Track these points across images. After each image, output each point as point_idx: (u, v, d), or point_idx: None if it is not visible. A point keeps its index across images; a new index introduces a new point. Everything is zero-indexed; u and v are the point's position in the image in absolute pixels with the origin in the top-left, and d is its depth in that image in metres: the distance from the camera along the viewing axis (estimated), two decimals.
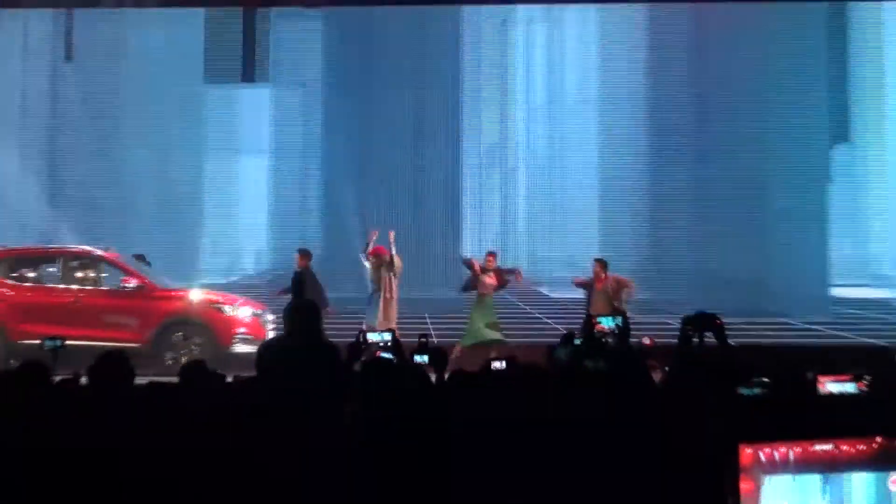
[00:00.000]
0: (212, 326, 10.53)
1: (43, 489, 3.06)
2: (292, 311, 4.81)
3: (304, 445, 3.06)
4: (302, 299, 6.63)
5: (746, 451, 2.49)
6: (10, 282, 10.63)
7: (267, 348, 4.83)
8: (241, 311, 10.75)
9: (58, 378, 4.65)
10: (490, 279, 10.66)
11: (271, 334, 10.44)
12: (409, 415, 3.28)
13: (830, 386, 4.80)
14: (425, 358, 5.00)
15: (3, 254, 11.02)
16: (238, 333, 10.51)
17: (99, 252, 11.06)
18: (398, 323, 10.33)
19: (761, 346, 11.43)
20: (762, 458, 2.49)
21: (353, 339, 5.33)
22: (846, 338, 13.49)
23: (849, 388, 4.80)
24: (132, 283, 10.56)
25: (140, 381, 4.30)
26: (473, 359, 8.35)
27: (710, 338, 5.30)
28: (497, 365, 5.13)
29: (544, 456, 3.05)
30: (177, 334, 10.41)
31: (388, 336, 5.27)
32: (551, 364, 5.65)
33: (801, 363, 5.14)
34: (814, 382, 4.64)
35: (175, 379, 4.42)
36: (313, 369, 4.34)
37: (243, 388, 4.14)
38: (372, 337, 5.33)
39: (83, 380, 4.61)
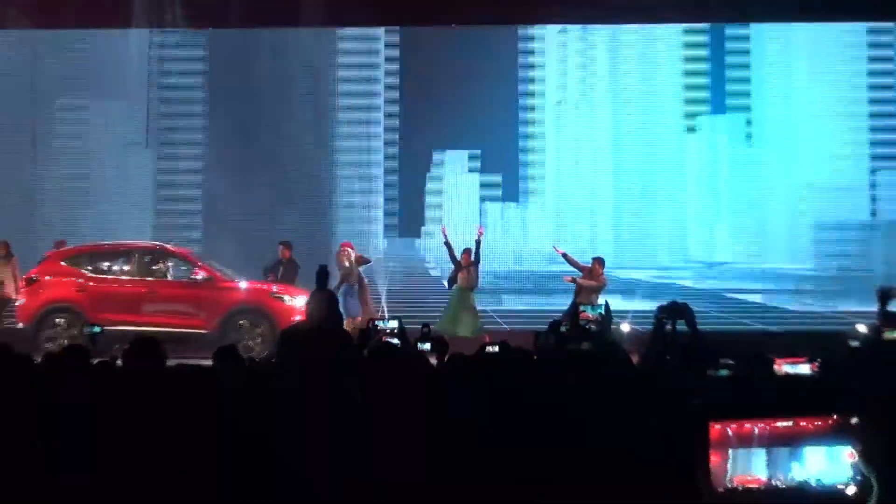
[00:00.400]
0: (272, 314, 10.45)
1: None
2: (312, 300, 4.84)
3: (315, 424, 3.07)
4: (322, 289, 6.58)
5: (716, 428, 2.53)
6: (90, 274, 10.63)
7: (288, 333, 4.84)
8: (298, 300, 10.51)
9: (96, 360, 4.66)
10: (463, 275, 10.48)
11: None
12: (412, 396, 3.29)
13: (787, 367, 4.85)
14: (428, 345, 5.05)
15: (82, 249, 11.10)
16: (296, 321, 10.49)
17: (169, 247, 11.16)
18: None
19: (728, 332, 11.49)
20: (730, 433, 2.52)
21: (365, 326, 5.42)
22: (803, 324, 13.59)
23: (803, 369, 4.85)
24: (201, 276, 10.57)
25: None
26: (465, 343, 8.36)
27: (681, 324, 5.35)
28: (491, 348, 5.18)
29: (532, 428, 3.07)
30: (241, 322, 10.39)
31: (394, 324, 5.32)
32: (539, 348, 5.68)
33: (762, 346, 5.20)
34: (771, 364, 4.69)
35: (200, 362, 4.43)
36: (328, 353, 4.36)
37: (264, 370, 4.16)
38: (380, 324, 5.38)
39: (118, 362, 4.62)
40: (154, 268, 10.80)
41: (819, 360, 4.84)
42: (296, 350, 4.44)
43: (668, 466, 2.76)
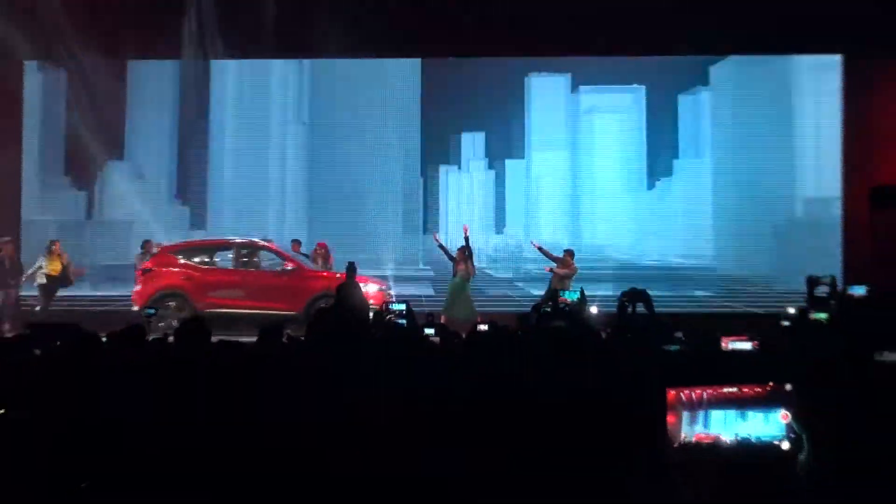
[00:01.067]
0: None
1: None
2: (338, 290, 4.82)
3: (333, 392, 3.05)
4: (351, 280, 6.52)
5: (671, 393, 2.53)
6: (194, 265, 10.62)
7: (319, 314, 4.83)
8: (371, 287, 10.41)
9: (151, 337, 4.66)
10: (461, 268, 10.30)
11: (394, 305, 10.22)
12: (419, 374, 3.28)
13: (731, 344, 4.85)
14: (432, 330, 5.06)
15: (190, 244, 11.23)
16: (369, 304, 10.31)
17: (263, 241, 11.10)
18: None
19: (679, 314, 11.49)
20: (683, 398, 2.52)
21: (377, 309, 5.42)
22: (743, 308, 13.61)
23: (745, 346, 4.85)
24: (289, 267, 10.52)
25: None
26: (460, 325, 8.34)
27: (640, 308, 5.36)
28: (482, 327, 5.18)
29: (517, 391, 3.06)
30: (324, 305, 10.03)
31: (402, 306, 5.33)
32: (524, 327, 5.69)
33: (710, 327, 5.20)
34: (718, 341, 4.69)
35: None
36: (348, 331, 4.35)
37: (294, 346, 4.16)
38: (391, 307, 5.40)
39: (170, 339, 4.62)
40: (249, 260, 10.76)
41: (759, 339, 4.85)
42: (322, 329, 4.44)
43: (631, 425, 2.77)
